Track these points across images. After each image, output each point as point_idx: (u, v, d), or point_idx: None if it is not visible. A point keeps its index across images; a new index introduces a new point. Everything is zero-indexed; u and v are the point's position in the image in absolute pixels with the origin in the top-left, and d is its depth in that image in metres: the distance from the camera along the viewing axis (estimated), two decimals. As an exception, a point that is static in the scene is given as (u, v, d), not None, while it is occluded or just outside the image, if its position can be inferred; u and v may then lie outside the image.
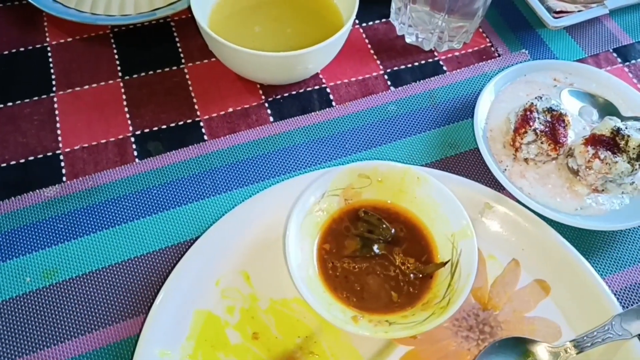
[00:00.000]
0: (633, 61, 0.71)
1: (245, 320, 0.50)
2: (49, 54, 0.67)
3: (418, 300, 0.50)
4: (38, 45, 0.67)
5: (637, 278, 0.55)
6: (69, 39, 0.68)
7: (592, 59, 0.71)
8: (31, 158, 0.59)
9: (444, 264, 0.51)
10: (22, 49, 0.67)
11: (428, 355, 0.50)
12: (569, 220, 0.55)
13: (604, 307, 0.50)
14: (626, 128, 0.57)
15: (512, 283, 0.53)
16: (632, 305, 0.53)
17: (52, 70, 0.65)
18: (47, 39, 0.68)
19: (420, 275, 0.51)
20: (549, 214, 0.55)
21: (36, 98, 0.63)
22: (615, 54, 0.71)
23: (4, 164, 0.58)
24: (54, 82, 0.65)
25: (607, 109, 0.64)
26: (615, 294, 0.52)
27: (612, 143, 0.56)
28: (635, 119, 0.62)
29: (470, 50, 0.70)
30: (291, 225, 0.50)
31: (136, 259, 0.54)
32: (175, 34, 0.69)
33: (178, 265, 0.51)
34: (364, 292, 0.50)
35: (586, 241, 0.56)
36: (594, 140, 0.57)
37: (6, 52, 0.67)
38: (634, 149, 0.56)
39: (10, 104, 0.63)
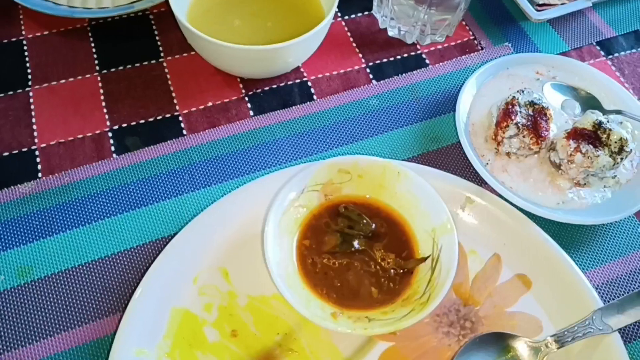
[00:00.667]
0: (616, 54, 0.70)
1: (224, 317, 0.49)
2: (25, 48, 0.65)
3: (398, 296, 0.50)
4: (13, 39, 0.66)
5: (619, 272, 0.55)
6: (45, 33, 0.67)
7: (576, 52, 0.70)
8: (6, 154, 0.58)
9: (424, 259, 0.51)
10: (-4, 43, 0.66)
11: (408, 352, 0.49)
12: (551, 215, 0.55)
13: (585, 301, 0.50)
14: (608, 122, 0.57)
15: (494, 278, 0.53)
16: (613, 299, 0.53)
17: (27, 65, 0.64)
18: (23, 33, 0.67)
19: (401, 271, 0.51)
20: (531, 208, 0.55)
21: (11, 93, 0.62)
22: (598, 47, 0.71)
23: (-22, 160, 0.57)
24: (29, 77, 0.63)
25: (590, 103, 0.64)
26: (596, 289, 0.52)
27: (594, 137, 0.56)
28: (617, 112, 0.62)
29: (453, 43, 0.70)
30: (269, 222, 0.49)
31: (113, 257, 0.53)
32: (154, 27, 0.68)
33: (155, 262, 0.50)
34: (344, 288, 0.50)
35: (568, 235, 0.56)
36: (576, 134, 0.56)
37: (-20, 46, 0.65)
38: (615, 142, 0.56)
39: (-16, 98, 0.61)
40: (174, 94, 0.63)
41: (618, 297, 0.54)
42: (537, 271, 0.53)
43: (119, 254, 0.53)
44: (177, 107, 0.62)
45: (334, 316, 0.47)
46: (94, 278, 0.52)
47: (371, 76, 0.66)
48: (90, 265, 0.52)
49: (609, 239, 0.56)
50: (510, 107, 0.58)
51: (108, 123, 0.60)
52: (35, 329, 0.49)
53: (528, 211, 0.55)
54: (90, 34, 0.67)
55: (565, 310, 0.51)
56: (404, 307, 0.48)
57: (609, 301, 0.53)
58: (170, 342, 0.48)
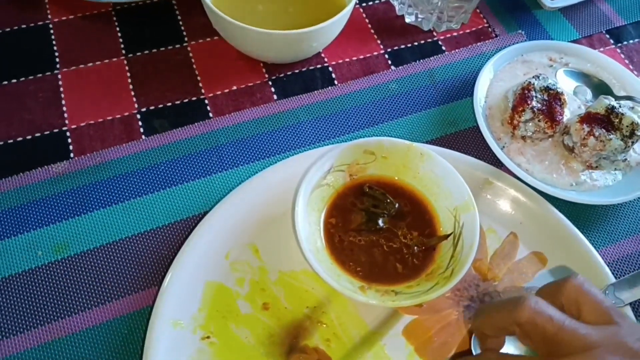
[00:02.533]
0: (625, 42, 0.73)
1: (255, 291, 0.52)
2: (51, 32, 0.67)
3: (422, 271, 0.52)
4: (40, 23, 0.67)
5: (630, 250, 0.57)
6: (71, 17, 0.68)
7: (586, 40, 0.73)
8: (38, 135, 0.59)
9: (446, 236, 0.53)
10: (23, 26, 0.67)
11: (431, 324, 0.52)
12: (565, 195, 0.57)
13: (598, 277, 0.53)
14: (620, 106, 0.59)
15: (511, 255, 0.55)
16: (624, 275, 0.56)
17: (54, 48, 0.66)
18: (49, 17, 0.68)
19: (424, 248, 0.53)
20: (546, 189, 0.57)
21: (40, 75, 0.63)
22: (608, 35, 0.73)
23: (11, 140, 0.59)
24: (57, 60, 0.65)
25: (601, 89, 0.66)
26: (608, 265, 0.54)
27: (606, 121, 0.58)
28: (628, 98, 0.64)
29: (468, 30, 0.72)
30: (299, 198, 0.51)
31: (146, 233, 0.55)
32: (177, 12, 0.70)
33: (189, 239, 0.52)
34: (370, 264, 0.52)
35: (581, 215, 0.58)
36: (589, 118, 0.59)
37: (7, 30, 0.67)
38: (627, 126, 0.58)
39: (14, 80, 0.63)
40: (199, 78, 0.65)
41: (629, 273, 0.56)
42: (553, 249, 0.55)
43: (151, 231, 0.55)
44: (203, 91, 0.64)
45: (362, 289, 0.50)
46: (128, 254, 0.53)
47: (390, 62, 0.68)
48: (125, 242, 0.54)
49: (620, 219, 0.59)
50: (526, 92, 0.60)
51: (136, 105, 0.62)
52: (74, 303, 0.51)
53: (543, 192, 0.57)
54: (115, 19, 0.68)
55: (579, 286, 0.53)
56: (429, 282, 0.50)
57: (620, 277, 0.55)
58: (204, 315, 0.50)
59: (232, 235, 0.53)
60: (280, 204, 0.55)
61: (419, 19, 0.71)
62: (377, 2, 0.73)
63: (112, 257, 0.53)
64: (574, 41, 0.72)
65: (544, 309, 0.41)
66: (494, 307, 0.45)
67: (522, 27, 0.73)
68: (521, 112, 0.60)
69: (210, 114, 0.62)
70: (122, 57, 0.65)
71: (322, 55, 0.68)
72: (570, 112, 0.62)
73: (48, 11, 0.68)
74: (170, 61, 0.66)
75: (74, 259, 0.53)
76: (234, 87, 0.64)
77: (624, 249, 0.57)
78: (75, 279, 0.52)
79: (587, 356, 0.39)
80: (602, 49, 0.72)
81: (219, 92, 0.64)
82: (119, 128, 0.61)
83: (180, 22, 0.69)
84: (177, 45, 0.67)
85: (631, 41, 0.73)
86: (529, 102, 0.60)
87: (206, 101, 0.63)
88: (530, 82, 0.61)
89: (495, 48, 0.70)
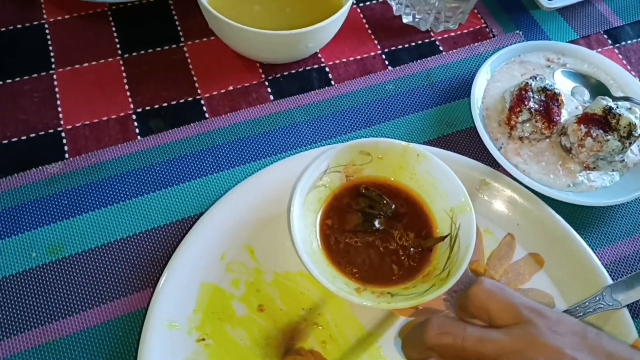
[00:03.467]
0: (623, 43, 0.73)
1: (251, 293, 0.51)
2: (47, 31, 0.67)
3: (418, 272, 0.52)
4: (35, 22, 0.67)
5: (627, 251, 0.57)
6: (67, 17, 0.68)
7: (584, 40, 0.72)
8: (33, 135, 0.59)
9: (443, 238, 0.53)
10: (19, 26, 0.67)
11: (428, 326, 0.51)
12: (562, 197, 0.57)
13: (595, 279, 0.53)
14: (617, 107, 0.59)
15: (508, 256, 0.55)
16: (621, 277, 0.56)
17: (50, 47, 0.65)
18: (44, 16, 0.68)
19: (420, 249, 0.53)
20: (543, 190, 0.57)
21: (35, 75, 0.63)
22: (605, 36, 0.73)
23: (5, 141, 0.58)
24: (52, 59, 0.64)
25: (599, 89, 0.66)
26: (605, 267, 0.54)
27: (604, 122, 0.58)
28: (626, 99, 0.64)
29: (465, 31, 0.72)
30: (295, 199, 0.51)
31: (141, 234, 0.54)
32: (173, 12, 0.69)
33: (184, 240, 0.52)
34: (366, 266, 0.52)
35: (578, 216, 0.58)
36: (587, 119, 0.59)
37: (3, 29, 0.66)
38: (624, 127, 0.58)
39: (9, 80, 0.62)
40: (195, 78, 0.64)
41: (626, 274, 0.56)
42: (550, 250, 0.55)
43: (146, 232, 0.55)
44: (199, 91, 0.63)
45: (358, 291, 0.49)
46: (123, 255, 0.53)
47: (387, 62, 0.68)
48: (120, 243, 0.54)
49: (617, 220, 0.59)
50: (524, 92, 0.60)
51: (132, 106, 0.62)
52: (68, 304, 0.51)
53: (540, 193, 0.57)
54: (111, 19, 0.68)
55: (576, 287, 0.53)
56: (425, 283, 0.50)
57: (617, 279, 0.55)
58: (200, 316, 0.50)
59: (228, 237, 0.53)
60: (276, 205, 0.55)
61: (417, 20, 0.70)
62: (374, 2, 0.73)
63: (107, 259, 0.53)
64: (572, 41, 0.72)
65: (446, 328, 0.41)
66: (409, 336, 0.46)
67: (520, 27, 0.72)
68: (518, 113, 0.60)
69: (206, 114, 0.62)
70: (118, 57, 0.65)
71: (319, 55, 0.67)
72: (567, 112, 0.62)
73: (44, 11, 0.68)
74: (166, 61, 0.65)
75: (68, 261, 0.53)
76: (230, 88, 0.64)
77: (621, 251, 0.57)
78: (69, 280, 0.52)
79: None
80: (599, 50, 0.71)
81: (215, 93, 0.64)
82: (114, 128, 0.60)
83: (177, 22, 0.69)
84: (174, 46, 0.67)
85: (629, 41, 0.73)
86: (526, 102, 0.60)
87: (202, 101, 0.63)
88: (527, 83, 0.61)
89: (492, 48, 0.70)
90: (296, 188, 0.52)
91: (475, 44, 0.70)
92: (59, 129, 0.60)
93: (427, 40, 0.70)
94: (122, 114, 0.61)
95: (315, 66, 0.67)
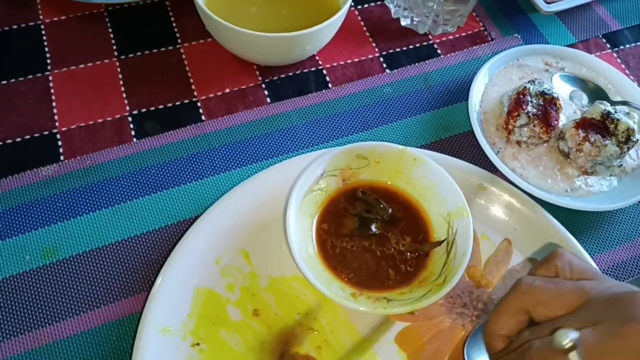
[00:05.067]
0: (621, 47, 0.72)
1: (246, 297, 0.51)
2: (43, 32, 0.66)
3: (415, 277, 0.51)
4: (31, 23, 0.67)
5: (624, 257, 0.57)
6: (63, 17, 0.67)
7: (582, 44, 0.72)
8: (27, 137, 0.59)
9: (440, 242, 0.52)
10: (14, 27, 0.66)
11: (424, 331, 0.51)
12: (560, 201, 0.57)
13: (593, 284, 0.52)
14: (616, 112, 0.58)
15: (505, 261, 0.55)
16: (618, 283, 0.55)
17: (46, 49, 0.65)
18: (40, 17, 0.67)
19: (417, 254, 0.52)
20: (541, 195, 0.57)
21: (30, 76, 0.63)
22: (604, 40, 0.73)
23: (0, 143, 0.58)
24: (48, 61, 0.64)
25: (597, 94, 0.65)
26: (603, 272, 0.53)
27: (602, 126, 0.58)
28: (624, 103, 0.64)
29: (464, 34, 0.71)
30: (291, 203, 0.51)
31: (136, 238, 0.54)
32: (170, 14, 0.69)
33: (179, 243, 0.51)
34: (362, 270, 0.52)
35: (576, 221, 0.58)
36: (585, 124, 0.58)
37: (-2, 30, 0.66)
38: (622, 132, 0.58)
39: (4, 81, 0.62)
40: (191, 80, 0.64)
41: (624, 280, 0.56)
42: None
43: (142, 235, 0.54)
44: (195, 93, 0.63)
45: (354, 296, 0.49)
46: (118, 259, 0.53)
47: (384, 65, 0.68)
48: (115, 246, 0.53)
49: (615, 225, 0.59)
50: (522, 96, 0.60)
51: (127, 108, 0.61)
52: (62, 308, 0.50)
53: (538, 198, 0.57)
54: (107, 20, 0.68)
55: (573, 293, 0.53)
56: (421, 288, 0.50)
57: (615, 284, 0.55)
58: (194, 321, 0.49)
59: (223, 241, 0.53)
60: (273, 209, 0.54)
61: (415, 22, 0.70)
62: (372, 4, 0.73)
63: (101, 262, 0.53)
64: (571, 45, 0.71)
65: (538, 277, 0.44)
66: (497, 305, 0.45)
67: (519, 30, 0.72)
68: (516, 117, 0.59)
69: (203, 117, 0.62)
70: (114, 59, 0.65)
71: (317, 58, 0.67)
72: (565, 117, 0.62)
73: (40, 11, 0.68)
74: (163, 63, 0.65)
75: (62, 264, 0.52)
76: (227, 90, 0.64)
77: (619, 256, 0.57)
78: (63, 284, 0.51)
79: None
80: (598, 54, 0.71)
81: (211, 95, 0.63)
82: (110, 130, 0.60)
83: (173, 24, 0.68)
84: (170, 47, 0.66)
85: (628, 46, 0.73)
86: (524, 106, 0.59)
87: (199, 104, 0.62)
88: (525, 87, 0.60)
89: (490, 52, 0.69)
90: (292, 192, 0.51)
91: (474, 47, 0.70)
92: (54, 130, 0.59)
93: (425, 43, 0.70)
94: (117, 116, 0.61)
95: (313, 69, 0.66)
